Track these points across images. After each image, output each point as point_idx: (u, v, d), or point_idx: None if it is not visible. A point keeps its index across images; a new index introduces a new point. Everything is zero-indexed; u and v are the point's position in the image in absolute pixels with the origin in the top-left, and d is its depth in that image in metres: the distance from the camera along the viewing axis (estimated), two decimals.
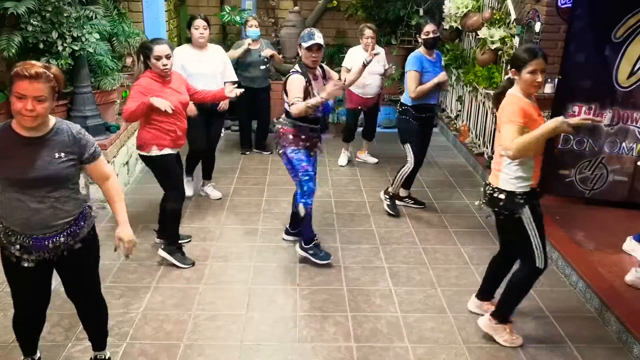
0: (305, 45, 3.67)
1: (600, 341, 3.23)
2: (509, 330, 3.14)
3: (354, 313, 3.42)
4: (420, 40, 4.58)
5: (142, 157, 3.88)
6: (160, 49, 3.63)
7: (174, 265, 3.87)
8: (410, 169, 4.74)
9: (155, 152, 3.76)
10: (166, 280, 3.72)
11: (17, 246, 2.38)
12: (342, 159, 6.16)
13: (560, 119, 2.74)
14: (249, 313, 3.39)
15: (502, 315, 3.14)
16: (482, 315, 3.29)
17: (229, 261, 4.00)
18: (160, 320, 3.29)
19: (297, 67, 3.77)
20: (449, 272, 3.93)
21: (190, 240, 4.25)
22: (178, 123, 3.79)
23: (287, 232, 4.33)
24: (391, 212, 4.84)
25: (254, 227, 4.55)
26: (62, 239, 2.42)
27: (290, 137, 3.81)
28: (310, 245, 3.98)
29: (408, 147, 4.72)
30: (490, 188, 3.01)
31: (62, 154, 2.33)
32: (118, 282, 3.67)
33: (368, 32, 5.50)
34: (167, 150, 3.79)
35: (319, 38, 3.67)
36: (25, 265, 2.40)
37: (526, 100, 2.87)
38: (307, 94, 3.68)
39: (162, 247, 3.94)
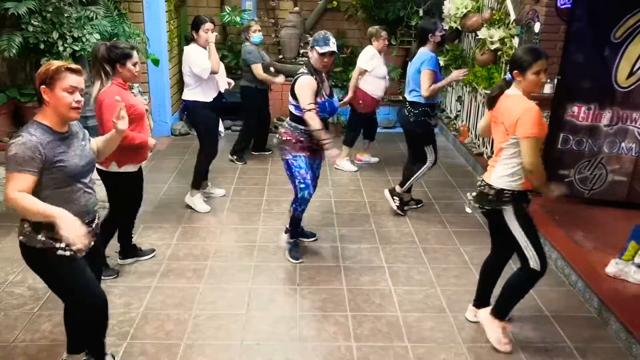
0: (320, 50, 3.60)
1: (599, 341, 3.23)
2: (502, 329, 3.10)
3: (354, 313, 3.42)
4: (433, 41, 4.52)
5: (104, 173, 3.49)
6: (136, 55, 3.38)
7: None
8: (428, 169, 4.78)
9: (130, 168, 3.51)
10: (166, 280, 3.73)
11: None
12: (351, 165, 6.00)
13: None
14: (249, 313, 3.40)
15: (497, 311, 3.11)
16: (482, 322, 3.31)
17: (229, 261, 4.01)
18: (160, 319, 3.30)
19: (304, 68, 3.72)
20: (449, 271, 3.93)
21: (154, 255, 4.02)
22: (146, 134, 3.55)
23: (287, 232, 4.34)
24: (400, 212, 4.83)
25: (254, 227, 4.56)
26: (94, 224, 2.55)
27: (293, 142, 3.77)
28: (292, 241, 4.07)
29: (430, 148, 4.74)
30: (483, 183, 3.02)
31: (83, 142, 2.50)
32: (118, 282, 3.67)
33: (385, 34, 5.65)
34: (134, 167, 3.56)
35: (333, 45, 3.62)
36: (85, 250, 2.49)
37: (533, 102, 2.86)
38: (317, 94, 3.65)
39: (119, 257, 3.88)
